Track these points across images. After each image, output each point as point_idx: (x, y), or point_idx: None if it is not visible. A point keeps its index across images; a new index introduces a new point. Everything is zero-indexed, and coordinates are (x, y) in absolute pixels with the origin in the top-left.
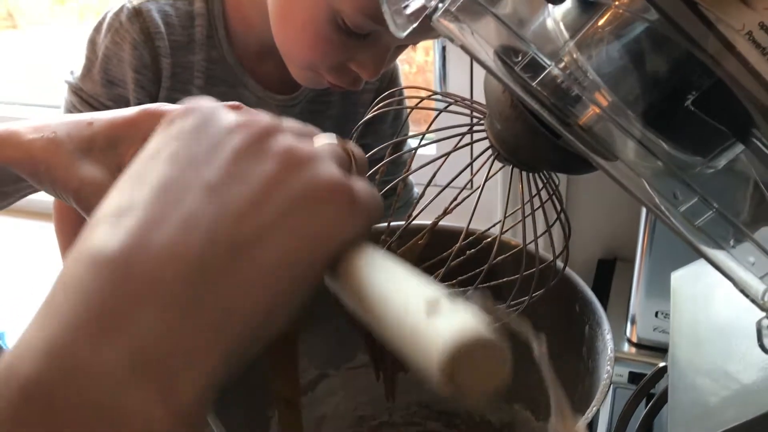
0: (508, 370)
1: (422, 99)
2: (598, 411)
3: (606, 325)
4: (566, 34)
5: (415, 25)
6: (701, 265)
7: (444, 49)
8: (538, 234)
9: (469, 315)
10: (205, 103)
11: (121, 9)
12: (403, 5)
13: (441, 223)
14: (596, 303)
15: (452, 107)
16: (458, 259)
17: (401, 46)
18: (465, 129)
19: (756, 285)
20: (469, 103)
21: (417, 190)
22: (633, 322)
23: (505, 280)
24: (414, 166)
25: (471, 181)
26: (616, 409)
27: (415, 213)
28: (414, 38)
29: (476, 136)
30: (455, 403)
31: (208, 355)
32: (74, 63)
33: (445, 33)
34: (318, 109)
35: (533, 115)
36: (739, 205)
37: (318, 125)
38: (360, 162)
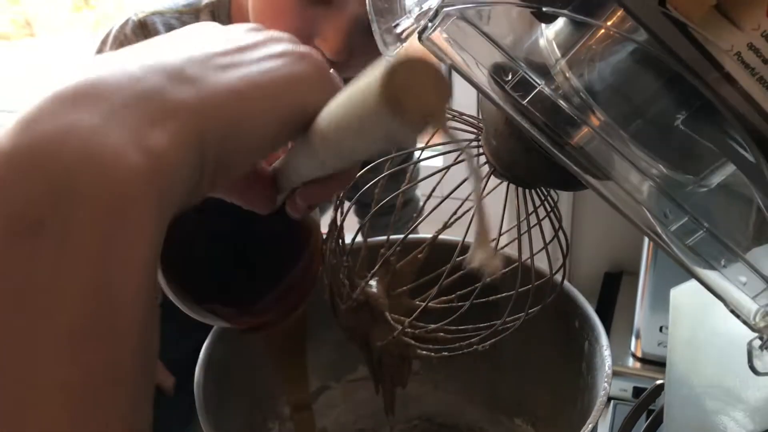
0: (447, 89)
1: None
2: (596, 428)
3: (604, 341)
4: (558, 53)
5: (405, 44)
6: None
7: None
8: (535, 251)
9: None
10: None
11: (126, 22)
12: (393, 24)
13: (442, 237)
14: (595, 319)
15: (451, 122)
16: (456, 274)
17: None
18: (463, 144)
19: (748, 305)
20: (467, 118)
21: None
22: (637, 337)
23: (503, 295)
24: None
25: (470, 196)
26: (617, 424)
27: (412, 226)
28: None
29: (475, 151)
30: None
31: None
32: None
33: (434, 52)
34: None
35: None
36: (737, 224)
37: None
38: None
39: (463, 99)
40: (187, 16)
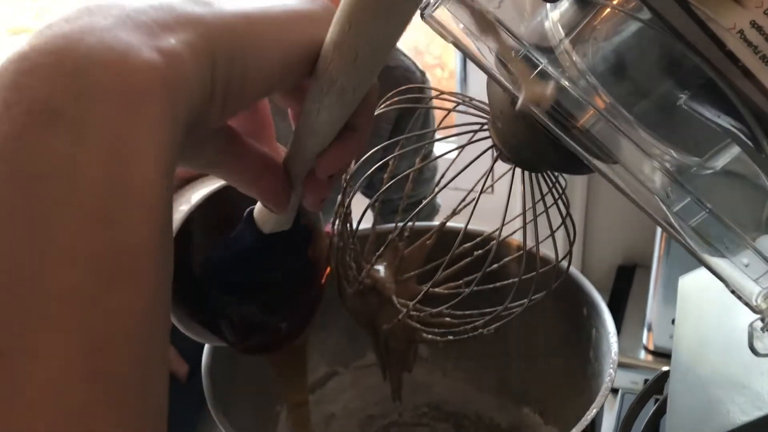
0: None
1: (430, 99)
2: (601, 414)
3: (611, 328)
4: (562, 33)
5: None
6: None
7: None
8: (541, 238)
9: None
10: None
11: None
12: None
13: (451, 224)
14: (602, 305)
15: (461, 107)
16: (465, 261)
17: None
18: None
19: (750, 287)
20: (477, 103)
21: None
22: (649, 330)
23: (509, 281)
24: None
25: (479, 182)
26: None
27: (421, 205)
28: None
29: (481, 135)
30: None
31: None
32: None
33: (436, 29)
34: None
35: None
36: (745, 210)
37: None
38: None
39: (475, 86)
40: None
